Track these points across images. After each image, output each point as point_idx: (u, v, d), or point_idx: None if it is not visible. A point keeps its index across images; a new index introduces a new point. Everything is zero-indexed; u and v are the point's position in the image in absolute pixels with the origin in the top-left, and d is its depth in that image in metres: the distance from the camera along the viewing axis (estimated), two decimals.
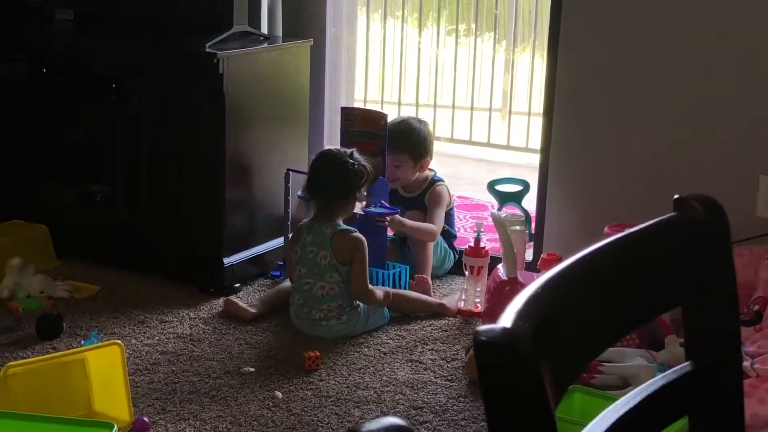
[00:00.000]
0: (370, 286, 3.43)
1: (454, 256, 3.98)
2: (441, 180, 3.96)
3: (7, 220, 4.00)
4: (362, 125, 3.80)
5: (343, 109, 3.91)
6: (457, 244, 4.04)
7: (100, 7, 4.15)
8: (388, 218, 3.67)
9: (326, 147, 3.62)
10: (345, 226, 3.45)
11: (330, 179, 3.43)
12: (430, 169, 3.97)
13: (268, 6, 3.96)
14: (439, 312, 3.58)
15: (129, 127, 3.77)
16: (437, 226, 3.84)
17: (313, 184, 3.47)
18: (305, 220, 3.52)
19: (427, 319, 3.55)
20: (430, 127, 3.99)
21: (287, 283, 3.61)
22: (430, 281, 3.76)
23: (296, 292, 3.44)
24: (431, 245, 3.82)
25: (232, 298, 3.59)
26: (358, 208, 3.68)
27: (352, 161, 3.44)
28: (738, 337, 1.29)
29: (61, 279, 3.73)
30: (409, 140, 3.84)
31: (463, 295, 3.66)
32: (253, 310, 3.50)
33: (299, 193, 3.72)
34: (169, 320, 3.48)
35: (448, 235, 3.97)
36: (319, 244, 3.41)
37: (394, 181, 3.83)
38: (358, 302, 3.42)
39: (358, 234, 3.44)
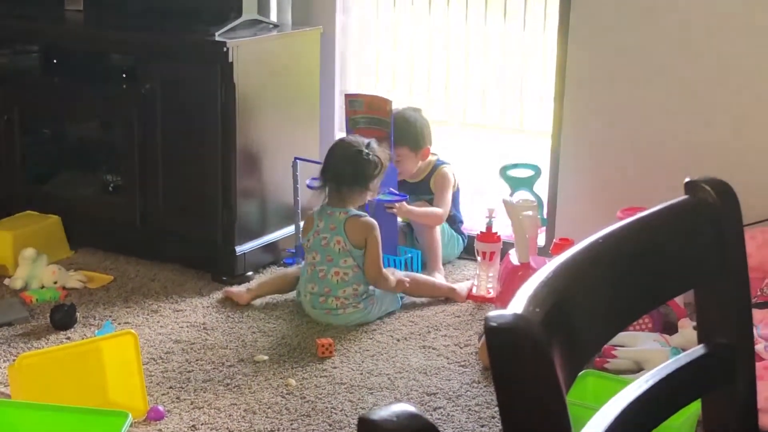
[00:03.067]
0: (384, 271, 3.43)
1: (463, 241, 3.97)
2: (445, 163, 3.95)
3: (20, 211, 4.01)
4: (367, 111, 3.79)
5: (347, 95, 3.87)
6: (470, 230, 4.02)
7: None
8: (396, 205, 3.67)
9: (345, 136, 3.62)
10: (357, 212, 3.46)
11: (343, 166, 3.43)
12: (433, 153, 3.95)
13: None
14: (449, 297, 3.58)
15: (140, 116, 3.77)
16: (444, 209, 3.84)
17: (327, 170, 3.47)
18: (316, 207, 3.52)
19: (440, 305, 3.55)
20: (425, 116, 3.95)
21: (288, 270, 3.64)
22: (441, 267, 3.75)
23: (310, 280, 3.44)
24: (438, 232, 3.81)
25: (229, 287, 3.60)
26: (368, 195, 3.68)
27: (367, 151, 3.44)
28: (750, 319, 1.29)
29: (75, 269, 3.74)
30: (407, 132, 3.82)
31: (475, 281, 3.66)
32: (247, 296, 3.51)
33: (308, 182, 3.71)
34: (183, 309, 3.49)
35: (455, 220, 3.96)
36: (332, 230, 3.41)
37: (398, 174, 3.83)
38: (373, 289, 3.42)
39: (370, 218, 3.45)
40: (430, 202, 3.85)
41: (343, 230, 3.40)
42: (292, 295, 3.58)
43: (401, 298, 3.54)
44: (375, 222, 3.45)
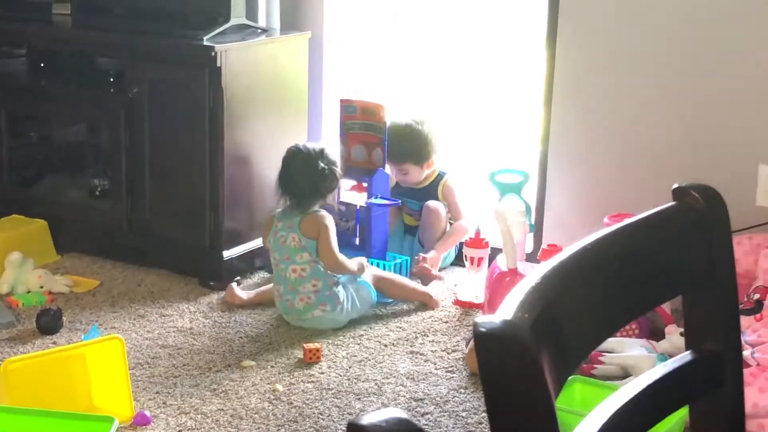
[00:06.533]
0: (339, 257, 3.43)
1: (455, 249, 3.97)
2: (446, 173, 3.98)
3: (6, 215, 3.99)
4: (362, 117, 3.80)
5: (342, 101, 3.89)
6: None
7: (98, 0, 4.14)
8: (426, 259, 3.70)
9: (298, 144, 3.61)
10: (314, 209, 3.47)
11: (302, 182, 3.44)
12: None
13: None
14: (423, 301, 3.57)
15: (128, 120, 3.76)
16: (463, 218, 3.88)
17: (285, 183, 3.48)
18: (277, 210, 3.52)
19: (427, 311, 3.55)
20: (430, 125, 3.96)
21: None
22: (429, 267, 3.73)
23: (277, 280, 3.47)
24: (442, 223, 3.84)
25: (234, 284, 3.60)
26: (360, 200, 3.70)
27: (323, 165, 3.46)
28: (738, 326, 1.29)
29: (61, 273, 3.73)
30: (410, 149, 3.86)
31: (446, 285, 3.68)
32: (243, 297, 3.55)
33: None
34: (169, 314, 3.48)
35: None
36: (288, 227, 3.44)
37: (405, 182, 3.91)
38: (336, 287, 3.40)
39: (324, 212, 3.48)
40: (438, 200, 3.88)
41: (298, 227, 3.42)
42: None
43: (375, 297, 3.51)
44: (327, 214, 3.47)
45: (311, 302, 3.38)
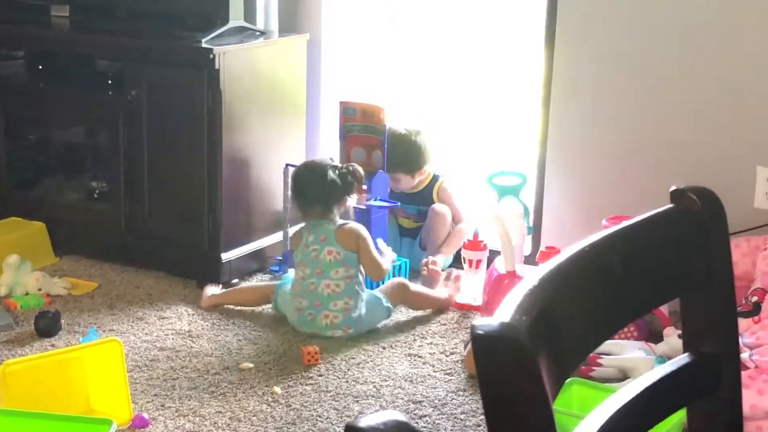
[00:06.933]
0: (385, 265, 3.45)
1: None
2: (440, 176, 3.99)
3: (4, 217, 3.99)
4: (361, 119, 3.81)
5: (341, 103, 3.89)
6: None
7: (96, 2, 4.15)
8: (430, 262, 3.73)
9: (309, 161, 3.64)
10: (341, 220, 3.47)
11: (323, 192, 3.43)
12: None
13: (263, 0, 3.95)
14: (442, 307, 3.57)
15: (126, 122, 3.76)
16: (464, 219, 3.91)
17: (306, 195, 3.46)
18: (304, 223, 3.50)
19: (426, 313, 3.55)
20: (425, 135, 3.97)
21: (260, 284, 3.69)
22: (439, 269, 3.74)
23: (298, 295, 3.41)
24: (447, 227, 3.86)
25: (208, 286, 3.61)
26: (357, 202, 3.70)
27: (344, 171, 3.47)
28: (736, 328, 1.29)
29: (59, 276, 3.73)
30: (403, 159, 3.87)
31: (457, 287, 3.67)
32: (205, 300, 3.54)
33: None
34: (168, 316, 3.48)
35: None
36: (322, 241, 3.40)
37: (397, 188, 3.93)
38: (362, 304, 3.39)
39: (353, 223, 3.49)
40: (424, 213, 3.89)
41: (335, 240, 3.40)
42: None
43: (390, 309, 3.51)
44: (360, 225, 3.48)
45: (336, 322, 3.34)
